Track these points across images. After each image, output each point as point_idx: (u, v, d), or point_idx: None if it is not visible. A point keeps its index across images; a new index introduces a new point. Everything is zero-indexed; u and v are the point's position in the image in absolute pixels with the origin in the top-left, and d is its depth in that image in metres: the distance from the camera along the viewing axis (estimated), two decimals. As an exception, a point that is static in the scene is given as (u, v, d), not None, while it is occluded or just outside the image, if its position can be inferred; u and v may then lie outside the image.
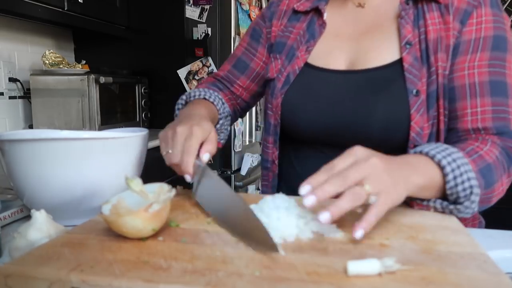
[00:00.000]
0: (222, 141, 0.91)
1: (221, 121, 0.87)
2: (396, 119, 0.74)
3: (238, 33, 2.33)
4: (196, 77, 2.28)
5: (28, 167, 0.64)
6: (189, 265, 0.42)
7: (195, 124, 0.65)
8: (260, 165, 2.68)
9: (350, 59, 0.80)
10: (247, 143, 2.68)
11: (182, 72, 2.27)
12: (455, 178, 0.58)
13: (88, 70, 1.99)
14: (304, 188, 0.50)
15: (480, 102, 0.70)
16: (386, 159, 0.54)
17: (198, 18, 2.26)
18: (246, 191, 2.54)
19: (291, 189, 0.68)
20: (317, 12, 0.85)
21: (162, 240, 0.50)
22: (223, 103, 0.88)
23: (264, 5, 2.74)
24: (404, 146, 0.74)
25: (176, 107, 0.89)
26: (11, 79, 1.84)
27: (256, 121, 2.80)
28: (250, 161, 2.46)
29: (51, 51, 1.88)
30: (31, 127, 1.87)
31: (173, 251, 0.46)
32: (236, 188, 2.40)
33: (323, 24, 0.84)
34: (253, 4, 2.57)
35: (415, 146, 0.72)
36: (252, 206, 0.58)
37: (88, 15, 1.82)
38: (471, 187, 0.58)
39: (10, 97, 1.87)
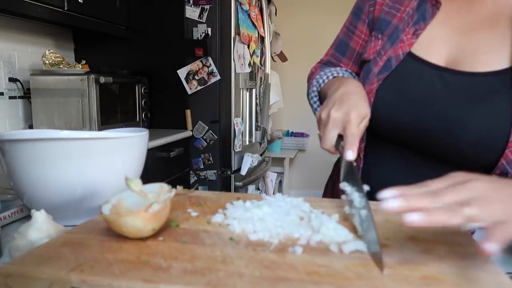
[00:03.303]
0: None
1: None
2: (490, 140, 0.63)
3: (238, 33, 2.33)
4: (196, 77, 2.28)
5: (28, 167, 0.64)
6: (189, 265, 0.42)
7: (352, 108, 0.63)
8: (259, 165, 2.69)
9: (452, 55, 0.69)
10: (247, 143, 2.68)
11: (182, 72, 2.27)
12: None
13: (88, 70, 1.99)
14: (387, 192, 0.42)
15: None
16: (495, 185, 0.45)
17: (198, 18, 2.26)
18: (246, 191, 2.54)
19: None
20: None
21: (162, 240, 0.50)
22: (351, 73, 0.81)
23: (264, 5, 2.74)
24: (489, 170, 0.64)
25: (312, 102, 0.83)
26: (11, 79, 1.84)
27: (256, 121, 2.80)
28: (250, 161, 2.46)
29: (51, 51, 1.88)
30: (31, 127, 1.87)
31: (173, 251, 0.46)
32: (236, 188, 2.40)
33: (437, 4, 0.72)
34: (253, 4, 2.57)
35: (501, 173, 0.63)
36: (253, 205, 0.58)
37: (88, 15, 1.82)
38: None
39: (10, 97, 1.87)
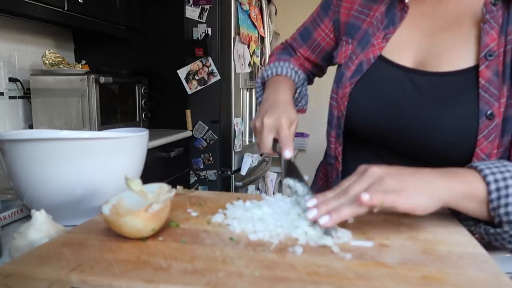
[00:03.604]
0: (305, 107, 0.94)
1: (298, 90, 0.89)
2: (460, 139, 0.64)
3: (238, 33, 2.33)
4: (196, 77, 2.28)
5: (28, 167, 0.64)
6: (189, 265, 0.42)
7: (282, 114, 0.71)
8: (259, 165, 2.69)
9: (420, 57, 0.71)
10: (247, 143, 2.68)
11: (182, 72, 2.27)
12: (499, 198, 0.50)
13: (88, 70, 1.99)
14: (310, 202, 0.53)
15: None
16: (394, 169, 0.53)
17: (198, 18, 2.26)
18: (246, 191, 2.54)
19: None
20: None
21: (162, 240, 0.50)
22: (296, 72, 0.87)
23: (264, 5, 2.74)
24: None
25: (255, 91, 0.93)
26: (11, 79, 1.84)
27: (256, 121, 2.80)
28: (250, 161, 2.46)
29: (51, 51, 1.88)
30: (31, 127, 1.87)
31: (173, 251, 0.46)
32: (236, 188, 2.40)
33: (405, 8, 0.74)
34: (253, 4, 2.57)
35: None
36: (253, 205, 0.58)
37: (88, 15, 1.82)
38: None
39: (10, 97, 1.87)
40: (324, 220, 0.49)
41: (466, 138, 0.64)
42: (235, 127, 2.34)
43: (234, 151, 2.36)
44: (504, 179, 0.51)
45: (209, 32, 2.25)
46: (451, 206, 0.52)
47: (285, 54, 0.96)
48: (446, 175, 0.53)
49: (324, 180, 0.92)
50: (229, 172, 2.37)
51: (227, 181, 2.38)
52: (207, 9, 2.24)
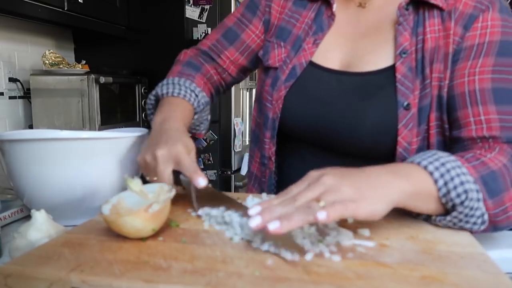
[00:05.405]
0: (203, 132, 0.88)
1: (196, 116, 0.81)
2: (383, 130, 0.70)
3: (238, 33, 2.33)
4: (196, 77, 2.28)
5: (28, 167, 0.64)
6: (189, 265, 0.42)
7: (176, 143, 0.62)
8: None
9: (345, 60, 0.77)
10: (247, 143, 2.68)
11: (182, 72, 2.27)
12: (446, 183, 0.53)
13: (88, 70, 1.99)
14: (252, 210, 0.47)
15: (484, 110, 0.65)
16: (345, 173, 0.51)
17: (198, 18, 2.26)
18: (246, 191, 2.53)
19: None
20: (325, 2, 0.80)
21: (162, 240, 0.50)
22: (196, 96, 0.80)
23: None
24: (392, 159, 0.71)
25: (147, 107, 0.84)
26: (11, 79, 1.84)
27: (256, 121, 2.80)
28: (250, 161, 2.46)
29: (51, 51, 1.88)
30: (31, 127, 1.87)
31: (173, 251, 0.46)
32: (236, 188, 2.40)
33: (332, 16, 0.80)
34: (253, 4, 2.57)
35: (403, 160, 0.67)
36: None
37: (88, 15, 1.82)
38: (465, 191, 0.52)
39: (10, 97, 1.87)
40: (274, 226, 0.43)
41: (388, 129, 0.70)
42: (235, 127, 2.34)
43: (234, 151, 2.36)
44: (443, 164, 0.54)
45: (209, 32, 2.25)
46: (400, 206, 0.52)
47: (191, 68, 0.87)
48: (395, 175, 0.53)
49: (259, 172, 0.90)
50: (229, 172, 2.37)
51: (227, 181, 2.38)
52: (207, 9, 2.24)
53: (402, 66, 0.71)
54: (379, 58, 0.74)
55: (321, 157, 0.79)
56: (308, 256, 0.44)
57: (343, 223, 0.54)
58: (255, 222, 0.45)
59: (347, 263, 0.43)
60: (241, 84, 2.43)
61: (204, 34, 2.25)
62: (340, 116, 0.74)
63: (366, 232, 0.52)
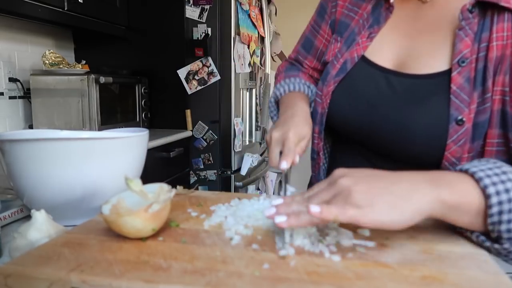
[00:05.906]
0: None
1: (312, 104, 0.85)
2: (429, 141, 0.65)
3: (238, 33, 2.33)
4: (196, 77, 2.28)
5: (28, 167, 0.64)
6: (189, 265, 0.42)
7: (290, 129, 0.69)
8: (259, 165, 2.69)
9: (399, 58, 0.72)
10: (247, 143, 2.68)
11: (182, 72, 2.27)
12: (501, 213, 0.45)
13: (88, 70, 1.99)
14: (275, 201, 0.51)
15: None
16: (367, 177, 0.48)
17: (198, 18, 2.25)
18: (246, 191, 2.54)
19: None
20: None
21: (162, 240, 0.50)
22: (308, 86, 0.87)
23: (264, 5, 2.74)
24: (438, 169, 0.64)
25: (269, 111, 0.91)
26: (11, 79, 1.84)
27: (256, 121, 2.80)
28: (250, 161, 2.46)
29: (51, 51, 1.88)
30: (31, 127, 1.87)
31: (173, 251, 0.46)
32: (236, 188, 2.40)
33: (390, 8, 0.75)
34: (253, 4, 2.57)
35: None
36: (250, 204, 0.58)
37: (88, 15, 1.82)
38: None
39: (10, 97, 1.87)
40: (279, 220, 0.46)
41: (436, 142, 0.64)
42: (235, 127, 2.34)
43: (234, 151, 2.36)
44: (507, 190, 0.45)
45: (209, 32, 2.25)
46: (436, 217, 0.48)
47: (293, 70, 0.93)
48: (433, 184, 0.47)
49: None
50: (229, 172, 2.37)
51: (227, 181, 2.38)
52: (207, 9, 2.24)
53: (459, 76, 0.63)
54: (435, 61, 0.67)
55: (371, 160, 0.77)
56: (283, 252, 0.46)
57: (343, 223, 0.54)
58: (268, 212, 0.49)
59: (347, 263, 0.43)
60: (241, 84, 2.43)
61: (204, 34, 2.25)
62: (386, 120, 0.70)
63: (366, 232, 0.52)
